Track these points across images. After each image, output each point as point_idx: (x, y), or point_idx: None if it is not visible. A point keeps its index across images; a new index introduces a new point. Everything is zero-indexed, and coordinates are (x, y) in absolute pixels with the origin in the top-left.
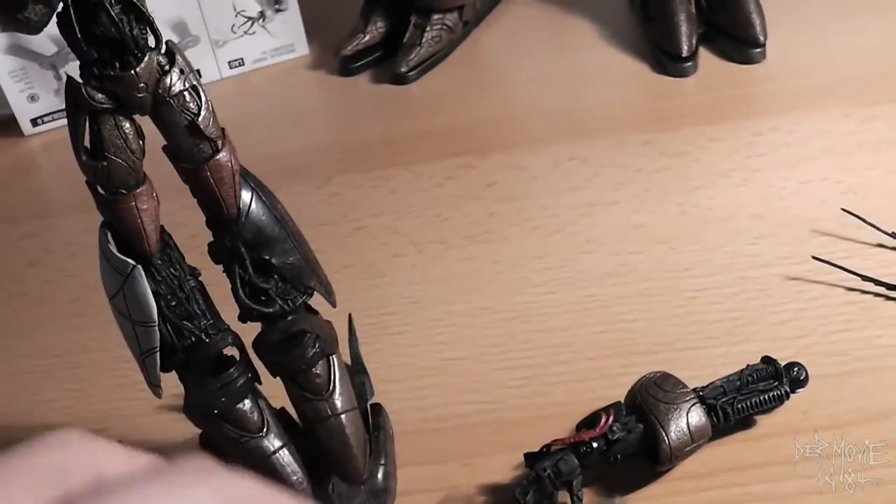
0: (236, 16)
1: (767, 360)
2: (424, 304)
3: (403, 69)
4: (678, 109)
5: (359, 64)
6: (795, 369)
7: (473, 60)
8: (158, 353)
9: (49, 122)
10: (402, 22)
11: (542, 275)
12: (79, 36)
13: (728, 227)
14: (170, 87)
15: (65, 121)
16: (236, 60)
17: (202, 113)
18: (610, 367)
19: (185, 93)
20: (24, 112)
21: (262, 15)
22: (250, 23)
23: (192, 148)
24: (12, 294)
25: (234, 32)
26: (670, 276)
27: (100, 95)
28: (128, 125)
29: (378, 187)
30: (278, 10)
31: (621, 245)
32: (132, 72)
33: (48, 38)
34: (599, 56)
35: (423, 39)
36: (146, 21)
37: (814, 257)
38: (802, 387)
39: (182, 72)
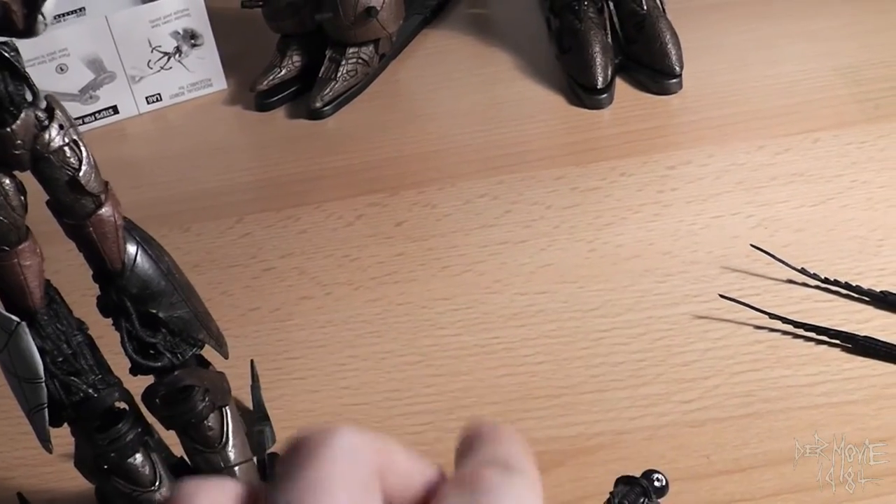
0: (152, 51)
1: (627, 480)
2: (330, 347)
3: (318, 104)
4: (592, 143)
5: (275, 99)
6: (655, 478)
7: (390, 94)
8: (46, 409)
9: None
10: (319, 56)
11: (449, 316)
12: None
13: (637, 264)
14: (48, 143)
15: None
16: (153, 96)
17: (83, 168)
18: (512, 411)
19: (66, 148)
20: None
21: (178, 50)
22: (167, 58)
23: (73, 203)
24: None
25: (151, 68)
26: (577, 317)
27: None
28: (7, 181)
29: (288, 227)
30: (194, 46)
31: (529, 285)
32: (8, 129)
33: None
34: (516, 89)
35: (339, 73)
36: (21, 78)
37: (721, 295)
38: (664, 495)
39: (61, 127)
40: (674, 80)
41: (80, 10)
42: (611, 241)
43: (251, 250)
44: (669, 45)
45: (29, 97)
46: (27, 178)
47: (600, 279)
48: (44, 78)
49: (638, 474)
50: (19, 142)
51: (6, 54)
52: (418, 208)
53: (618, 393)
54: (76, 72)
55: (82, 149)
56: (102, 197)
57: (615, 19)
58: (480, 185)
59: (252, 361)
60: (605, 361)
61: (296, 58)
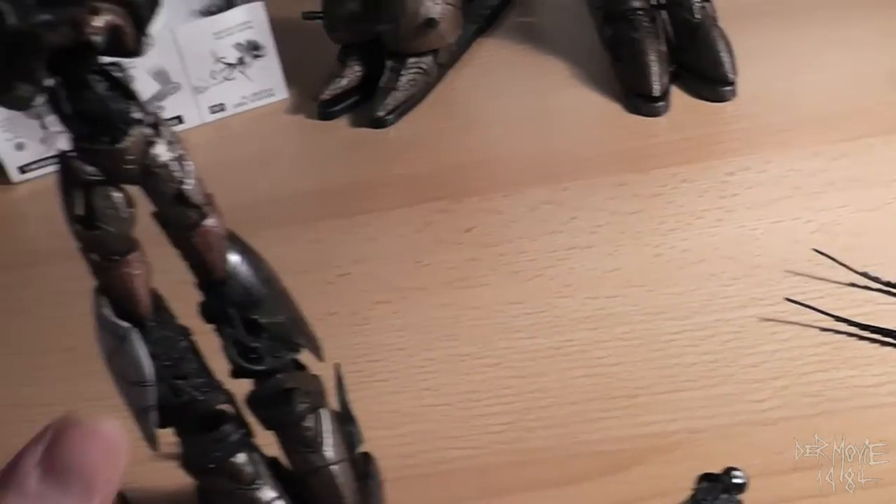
0: (216, 62)
1: (709, 477)
2: (408, 350)
3: (381, 113)
4: (651, 150)
5: (337, 108)
6: (736, 475)
7: (449, 102)
8: (154, 412)
9: (36, 169)
10: (379, 65)
11: (522, 320)
12: (68, 112)
13: (703, 268)
14: (157, 158)
15: (52, 168)
16: (217, 106)
17: (189, 182)
18: (590, 411)
19: (172, 163)
20: (11, 160)
21: (241, 61)
22: (230, 69)
23: (179, 215)
24: (2, 343)
25: (214, 79)
26: (647, 320)
27: (90, 168)
28: (118, 195)
29: (358, 233)
30: (256, 56)
31: (598, 289)
32: (120, 145)
33: None
34: (572, 96)
35: (399, 83)
36: (132, 97)
37: (787, 299)
38: (744, 491)
39: (169, 143)
40: (728, 88)
41: None
42: (676, 246)
43: (323, 256)
44: (723, 53)
45: (138, 115)
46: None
47: (668, 283)
48: None
49: (718, 471)
50: (130, 157)
51: (118, 75)
52: (485, 215)
53: (691, 393)
54: (142, 84)
55: (188, 163)
56: (207, 209)
57: (668, 28)
58: (544, 192)
59: (337, 365)
60: (677, 363)
61: (356, 67)
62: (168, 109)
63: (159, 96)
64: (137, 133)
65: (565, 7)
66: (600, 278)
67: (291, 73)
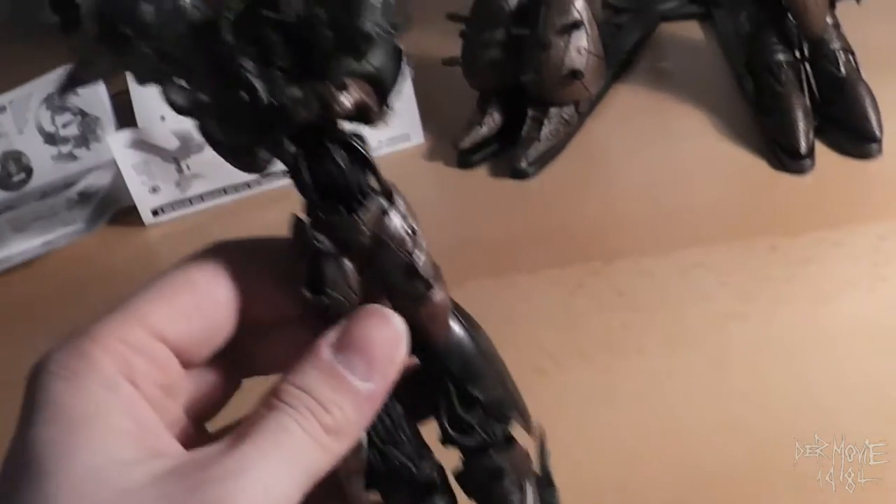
0: None
1: None
2: (564, 418)
3: (523, 164)
4: (799, 209)
5: (477, 156)
6: None
7: (587, 152)
8: (361, 476)
9: (170, 212)
10: (517, 113)
11: (680, 391)
12: (307, 181)
13: (861, 339)
14: (389, 229)
15: (184, 211)
16: None
17: (419, 255)
18: (755, 494)
19: (405, 235)
20: (145, 203)
21: None
22: None
23: (406, 287)
24: None
25: (351, 122)
26: (810, 394)
27: (324, 237)
28: (349, 264)
29: (509, 294)
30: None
31: (757, 360)
32: (356, 216)
33: (171, 133)
34: (712, 147)
35: (542, 133)
36: (371, 167)
37: None
38: None
39: (403, 216)
40: (874, 145)
41: None
42: (834, 315)
43: (475, 316)
44: (869, 110)
45: (375, 185)
46: None
47: (829, 354)
48: None
49: None
50: (364, 228)
51: (358, 146)
52: (636, 277)
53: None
54: None
55: (419, 237)
56: (433, 282)
57: (812, 81)
58: (694, 254)
59: (542, 432)
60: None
61: (496, 115)
62: None
63: None
64: (374, 203)
65: (697, 50)
66: (758, 349)
67: (428, 118)
